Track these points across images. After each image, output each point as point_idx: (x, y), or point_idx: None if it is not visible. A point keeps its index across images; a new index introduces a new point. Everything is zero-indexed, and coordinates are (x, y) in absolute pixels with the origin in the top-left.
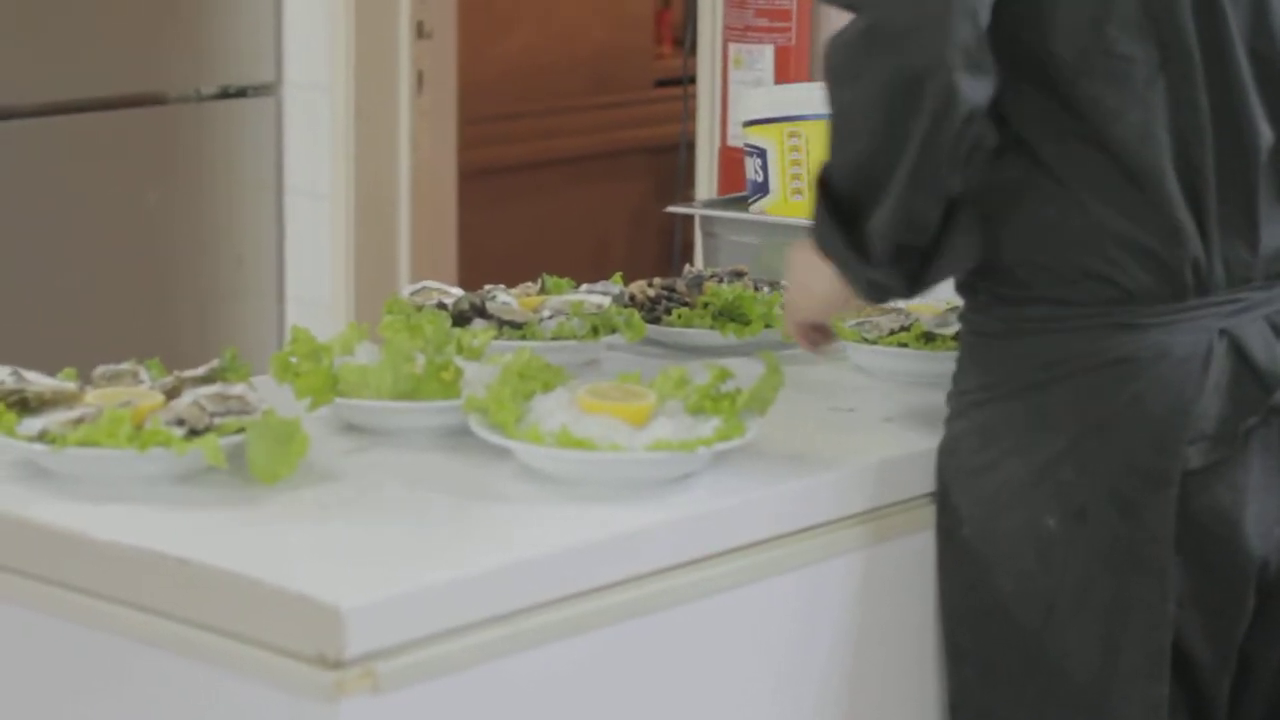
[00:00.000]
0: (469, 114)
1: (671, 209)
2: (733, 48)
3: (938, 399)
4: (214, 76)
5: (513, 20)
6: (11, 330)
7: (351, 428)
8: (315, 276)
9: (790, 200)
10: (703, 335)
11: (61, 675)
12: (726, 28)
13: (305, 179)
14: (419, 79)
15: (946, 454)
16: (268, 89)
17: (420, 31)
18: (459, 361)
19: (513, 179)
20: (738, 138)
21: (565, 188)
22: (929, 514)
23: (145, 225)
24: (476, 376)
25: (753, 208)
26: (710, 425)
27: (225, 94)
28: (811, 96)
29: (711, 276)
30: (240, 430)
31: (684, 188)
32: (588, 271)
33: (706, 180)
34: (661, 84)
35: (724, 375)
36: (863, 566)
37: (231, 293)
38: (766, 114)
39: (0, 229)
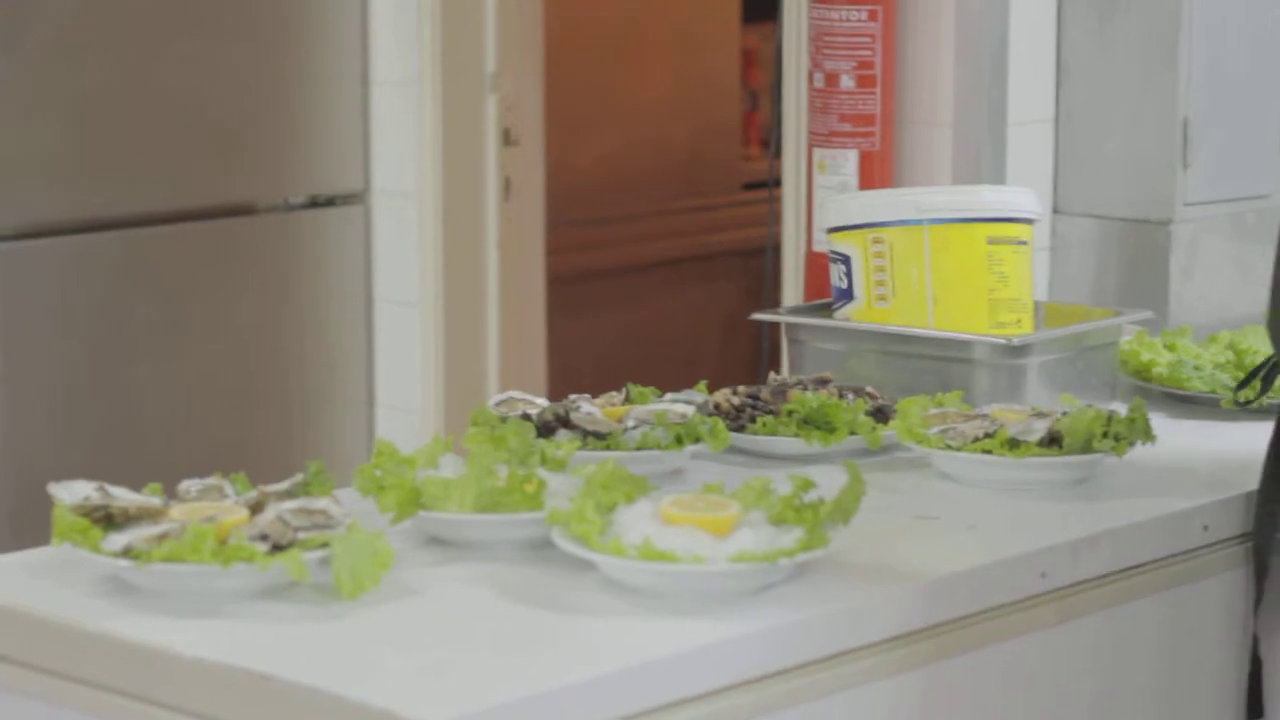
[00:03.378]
0: (556, 219)
1: (756, 316)
2: (817, 152)
3: (1022, 506)
4: (302, 186)
5: (599, 125)
6: (101, 443)
7: (435, 540)
8: (405, 384)
9: (875, 307)
10: (787, 443)
11: None
12: (811, 132)
13: (394, 287)
14: (506, 185)
15: None
16: (356, 198)
17: (507, 139)
18: (542, 473)
19: (601, 284)
20: (823, 243)
21: (655, 292)
22: (1015, 622)
23: (236, 334)
24: (560, 488)
25: (837, 314)
26: (793, 535)
27: (314, 203)
28: (895, 202)
29: (796, 384)
30: (324, 544)
31: (771, 292)
32: (679, 375)
33: (793, 285)
34: (749, 186)
35: (806, 485)
36: (950, 676)
37: (322, 400)
38: (850, 220)
39: (91, 339)
